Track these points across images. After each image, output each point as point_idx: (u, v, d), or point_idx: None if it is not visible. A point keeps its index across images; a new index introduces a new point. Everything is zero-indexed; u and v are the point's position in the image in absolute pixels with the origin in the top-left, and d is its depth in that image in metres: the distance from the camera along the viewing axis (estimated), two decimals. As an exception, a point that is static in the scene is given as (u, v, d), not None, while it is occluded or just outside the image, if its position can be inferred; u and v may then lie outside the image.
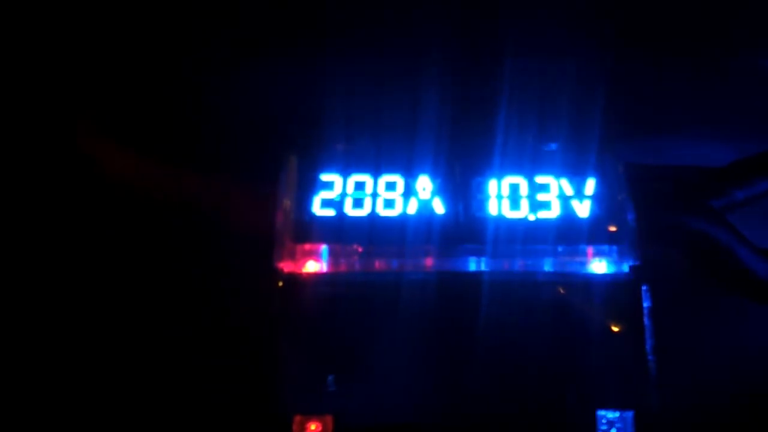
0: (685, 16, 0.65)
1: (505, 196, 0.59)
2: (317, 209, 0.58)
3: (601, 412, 0.56)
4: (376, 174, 0.59)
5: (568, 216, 0.59)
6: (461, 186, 0.59)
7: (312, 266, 0.57)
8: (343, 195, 0.59)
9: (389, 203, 0.59)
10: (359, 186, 0.59)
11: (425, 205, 0.59)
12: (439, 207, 0.59)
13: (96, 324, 0.62)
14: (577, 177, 0.60)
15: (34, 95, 0.66)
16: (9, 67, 0.65)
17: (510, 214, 0.59)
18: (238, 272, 0.60)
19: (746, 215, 0.62)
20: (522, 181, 0.59)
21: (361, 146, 0.61)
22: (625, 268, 0.58)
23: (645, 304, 0.57)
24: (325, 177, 0.59)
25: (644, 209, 0.59)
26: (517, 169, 0.60)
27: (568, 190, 0.59)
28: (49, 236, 0.64)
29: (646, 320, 0.56)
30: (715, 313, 0.66)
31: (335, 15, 0.63)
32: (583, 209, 0.59)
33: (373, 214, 0.58)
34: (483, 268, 0.58)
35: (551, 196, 0.59)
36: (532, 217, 0.58)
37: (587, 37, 0.64)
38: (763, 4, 0.65)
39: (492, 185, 0.59)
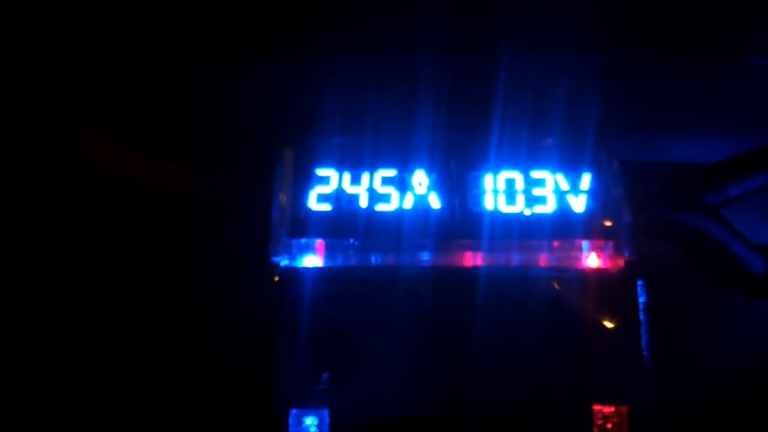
0: (680, 13, 0.65)
1: (501, 191, 0.59)
2: (313, 204, 0.58)
3: (597, 407, 0.56)
4: (372, 168, 0.59)
5: (563, 211, 0.59)
6: (457, 181, 0.59)
7: (308, 261, 0.57)
8: (339, 189, 0.59)
9: (385, 198, 0.58)
10: (355, 180, 0.59)
11: (421, 200, 0.58)
12: (435, 202, 0.59)
13: (91, 320, 0.62)
14: (572, 172, 0.60)
15: (27, 90, 0.65)
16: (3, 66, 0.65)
17: (506, 208, 0.59)
18: (234, 267, 0.60)
19: (740, 211, 0.62)
20: (518, 176, 0.59)
21: (357, 140, 0.60)
22: (621, 263, 0.58)
23: (640, 299, 0.57)
24: (321, 171, 0.59)
25: (639, 205, 0.59)
26: (513, 164, 0.60)
27: (564, 185, 0.59)
28: (40, 229, 0.64)
29: (641, 315, 0.56)
30: (709, 309, 0.66)
31: (332, 9, 0.63)
32: (578, 204, 0.59)
33: (369, 209, 0.58)
34: (479, 262, 0.58)
35: (547, 191, 0.59)
36: (527, 212, 0.59)
37: (584, 33, 0.65)
38: (756, 6, 0.65)
39: (488, 180, 0.59)
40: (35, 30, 0.65)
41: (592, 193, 0.59)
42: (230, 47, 0.67)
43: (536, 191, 0.59)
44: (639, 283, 0.57)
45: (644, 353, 0.56)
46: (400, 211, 0.58)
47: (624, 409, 0.56)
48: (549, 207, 0.59)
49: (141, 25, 0.66)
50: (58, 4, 0.65)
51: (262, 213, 0.57)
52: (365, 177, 0.59)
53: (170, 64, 0.68)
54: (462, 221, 0.58)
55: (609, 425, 0.55)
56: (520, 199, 0.59)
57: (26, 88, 0.66)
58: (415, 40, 0.64)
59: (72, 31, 0.66)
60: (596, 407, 0.56)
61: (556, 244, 0.58)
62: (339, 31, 0.66)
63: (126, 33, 0.67)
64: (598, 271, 0.58)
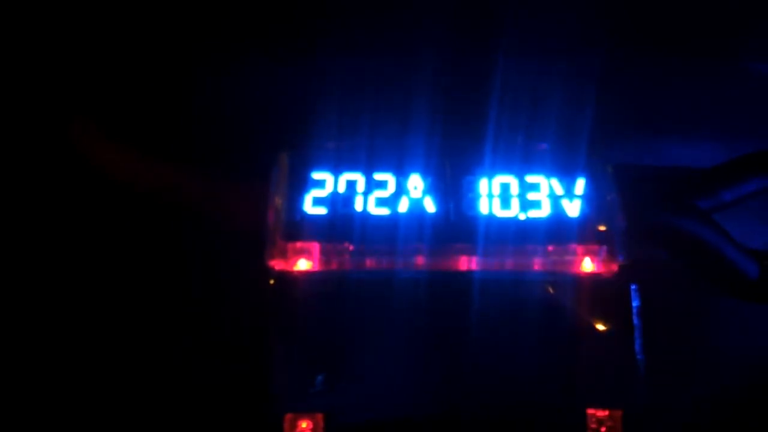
0: (680, 14, 0.65)
1: (496, 195, 0.59)
2: (308, 207, 0.58)
3: (591, 411, 0.56)
4: (367, 172, 0.59)
5: (558, 215, 0.59)
6: (452, 185, 0.59)
7: (303, 264, 0.57)
8: (335, 193, 0.59)
9: (380, 202, 0.58)
10: (350, 184, 0.59)
11: (416, 204, 0.58)
12: (430, 206, 0.59)
13: (87, 320, 0.62)
14: (567, 177, 0.60)
15: (27, 90, 0.66)
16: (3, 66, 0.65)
17: (500, 213, 0.59)
18: (230, 270, 0.61)
19: (734, 215, 0.62)
20: (513, 181, 0.60)
21: (353, 144, 0.61)
22: (615, 267, 0.58)
23: (634, 304, 0.57)
24: (316, 175, 0.59)
25: (633, 209, 0.59)
26: (507, 169, 0.60)
27: (559, 190, 0.59)
28: (40, 229, 0.64)
29: (635, 319, 0.57)
30: (703, 313, 0.66)
31: (332, 9, 0.63)
32: (573, 209, 0.59)
33: (364, 213, 0.58)
34: (473, 266, 0.58)
35: (541, 196, 0.59)
36: (522, 216, 0.59)
37: (579, 38, 0.65)
38: (756, 7, 0.65)
39: (483, 184, 0.59)
40: (35, 30, 0.65)
41: (586, 197, 0.59)
42: (230, 47, 0.67)
43: (531, 195, 0.59)
44: (633, 287, 0.57)
45: (638, 357, 0.56)
46: (395, 215, 0.58)
47: (618, 413, 0.56)
48: (543, 211, 0.59)
49: (141, 25, 0.66)
50: (59, 4, 0.65)
51: (258, 216, 0.57)
52: (360, 181, 0.59)
53: (170, 64, 0.68)
54: (457, 225, 0.58)
55: (603, 429, 0.56)
56: (515, 203, 0.59)
57: (26, 88, 0.66)
58: (410, 45, 0.64)
59: (72, 31, 0.66)
60: (590, 411, 0.56)
61: (550, 248, 0.58)
62: (339, 31, 0.66)
63: (126, 33, 0.67)
64: (592, 276, 0.58)
